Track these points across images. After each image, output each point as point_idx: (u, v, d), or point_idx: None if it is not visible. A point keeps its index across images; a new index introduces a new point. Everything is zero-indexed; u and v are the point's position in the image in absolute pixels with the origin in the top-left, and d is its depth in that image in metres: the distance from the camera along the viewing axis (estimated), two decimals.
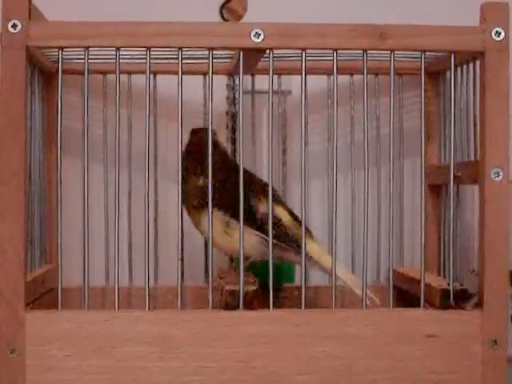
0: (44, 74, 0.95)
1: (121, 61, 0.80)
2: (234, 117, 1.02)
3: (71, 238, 0.97)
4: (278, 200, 0.89)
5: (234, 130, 1.03)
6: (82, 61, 0.79)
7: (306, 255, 0.82)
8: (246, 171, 0.84)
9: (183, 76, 0.79)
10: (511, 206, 0.80)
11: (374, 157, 1.02)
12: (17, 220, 0.76)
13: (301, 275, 0.80)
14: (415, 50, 0.81)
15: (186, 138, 0.92)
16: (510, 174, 0.80)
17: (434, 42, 0.79)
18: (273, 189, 0.81)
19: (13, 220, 0.76)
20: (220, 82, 1.00)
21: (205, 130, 0.84)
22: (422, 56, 0.81)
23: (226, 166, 0.90)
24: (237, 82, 1.01)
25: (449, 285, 0.81)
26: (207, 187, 0.79)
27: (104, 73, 0.99)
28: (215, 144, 0.87)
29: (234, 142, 1.03)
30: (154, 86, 1.00)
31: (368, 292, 0.81)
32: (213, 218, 0.80)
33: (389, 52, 0.80)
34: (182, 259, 0.84)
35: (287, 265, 1.00)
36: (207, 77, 0.80)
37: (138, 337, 0.77)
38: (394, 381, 0.79)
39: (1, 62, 0.76)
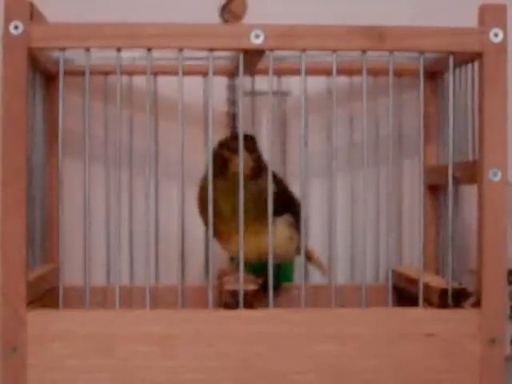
0: (45, 75, 0.96)
1: (122, 62, 0.80)
2: (234, 117, 1.03)
3: (72, 238, 0.98)
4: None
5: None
6: (83, 62, 0.80)
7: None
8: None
9: (184, 77, 0.80)
10: (509, 206, 0.81)
11: (373, 157, 1.02)
12: (18, 220, 0.77)
13: (300, 274, 0.81)
14: (414, 51, 0.81)
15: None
16: (508, 174, 0.80)
17: (432, 43, 0.80)
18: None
19: (14, 220, 0.77)
20: (220, 82, 1.01)
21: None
22: (421, 57, 0.81)
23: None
24: (237, 82, 1.02)
25: (447, 284, 0.82)
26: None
27: (105, 74, 1.00)
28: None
29: None
30: (155, 87, 1.01)
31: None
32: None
33: (388, 53, 0.81)
34: (183, 258, 0.84)
35: (286, 264, 1.01)
36: (207, 78, 0.80)
37: (139, 336, 0.78)
38: (393, 379, 0.79)
39: (3, 63, 0.77)
